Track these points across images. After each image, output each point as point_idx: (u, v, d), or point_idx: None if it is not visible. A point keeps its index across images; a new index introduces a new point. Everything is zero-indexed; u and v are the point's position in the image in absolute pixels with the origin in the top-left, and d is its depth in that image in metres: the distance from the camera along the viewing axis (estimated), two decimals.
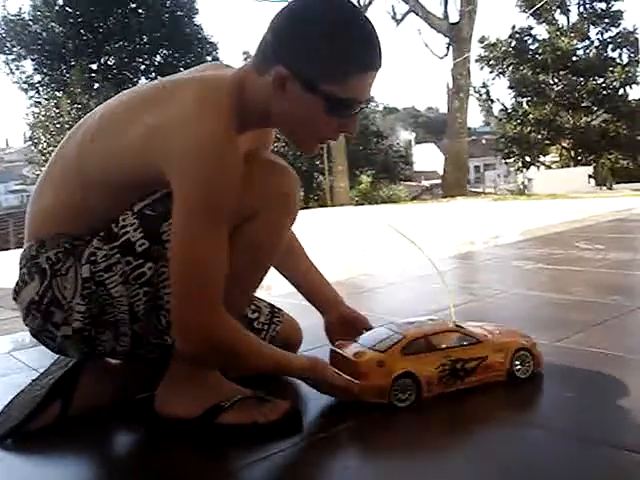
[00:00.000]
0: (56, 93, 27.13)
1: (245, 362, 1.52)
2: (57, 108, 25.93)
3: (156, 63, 30.30)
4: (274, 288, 3.28)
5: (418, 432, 1.51)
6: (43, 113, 26.67)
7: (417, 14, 25.66)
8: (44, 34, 27.72)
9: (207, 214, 1.37)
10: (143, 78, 30.13)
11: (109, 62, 29.25)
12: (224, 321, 1.44)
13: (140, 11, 28.73)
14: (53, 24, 27.59)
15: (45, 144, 25.90)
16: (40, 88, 28.72)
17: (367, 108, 1.85)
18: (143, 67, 30.24)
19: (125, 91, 1.63)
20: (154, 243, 1.46)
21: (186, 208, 1.37)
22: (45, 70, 28.39)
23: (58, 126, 25.52)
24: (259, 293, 1.90)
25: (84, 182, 1.50)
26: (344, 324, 1.98)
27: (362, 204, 21.36)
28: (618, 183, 23.63)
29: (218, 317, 1.42)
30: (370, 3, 25.11)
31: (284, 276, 1.99)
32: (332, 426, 1.55)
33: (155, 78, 29.88)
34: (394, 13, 25.94)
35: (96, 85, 27.50)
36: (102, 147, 1.48)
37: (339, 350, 1.75)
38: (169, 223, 1.43)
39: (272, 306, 1.95)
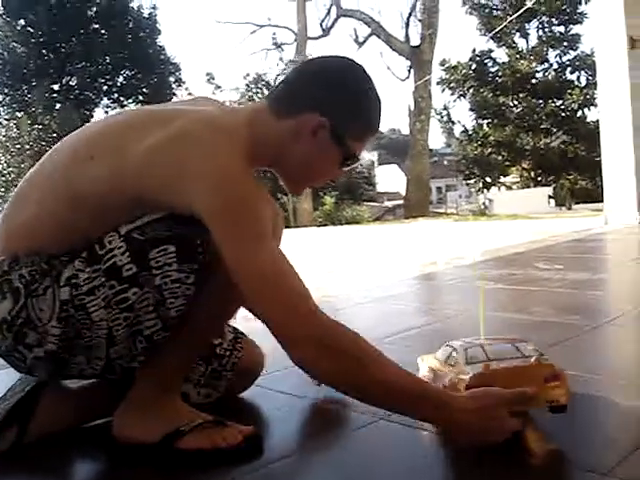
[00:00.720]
0: (17, 113, 26.89)
1: (368, 371, 1.39)
2: (18, 128, 25.70)
3: (118, 84, 30.22)
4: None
5: (379, 452, 1.52)
6: (3, 133, 26.42)
7: (379, 37, 25.99)
8: (5, 54, 27.52)
9: (256, 232, 1.38)
10: (105, 99, 30.04)
11: (71, 82, 29.11)
12: (330, 322, 1.40)
13: (102, 32, 28.67)
14: (15, 44, 27.41)
15: (5, 164, 25.62)
16: (1, 108, 28.47)
17: None
18: (105, 88, 30.13)
19: (123, 110, 1.63)
20: (142, 269, 1.42)
21: (234, 233, 1.37)
22: (6, 90, 28.16)
23: (18, 147, 25.29)
24: None
25: (76, 198, 1.46)
26: None
27: (326, 225, 21.41)
28: (577, 203, 23.98)
29: (322, 318, 1.39)
30: (332, 26, 25.32)
31: None
32: (293, 450, 1.55)
33: (118, 99, 29.82)
34: (356, 36, 26.29)
35: (58, 105, 27.32)
36: (103, 165, 1.45)
37: (496, 365, 1.50)
38: (159, 250, 1.41)
39: (235, 331, 1.91)
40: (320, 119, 1.51)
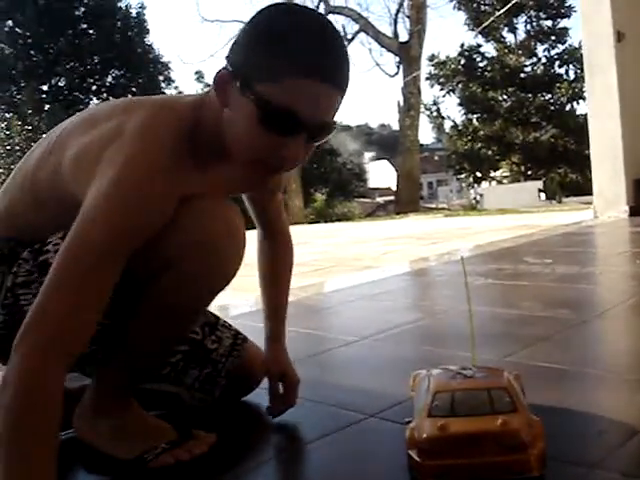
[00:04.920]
0: (6, 115, 26.82)
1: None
2: (8, 130, 25.61)
3: (107, 84, 30.13)
4: (233, 308, 3.28)
5: (370, 450, 1.52)
6: None
7: (367, 33, 25.98)
8: None
9: (104, 218, 1.22)
10: (94, 99, 29.92)
11: (60, 83, 29.03)
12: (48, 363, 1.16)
13: (91, 32, 28.59)
14: (3, 45, 27.30)
15: None
16: None
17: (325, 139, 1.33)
18: (94, 88, 30.03)
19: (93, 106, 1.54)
20: None
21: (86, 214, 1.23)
22: None
23: (9, 148, 25.19)
24: (222, 314, 1.88)
25: (36, 194, 1.43)
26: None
27: (317, 222, 21.38)
28: (568, 197, 24.01)
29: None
30: None
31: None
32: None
33: (107, 99, 29.71)
34: (345, 32, 26.20)
35: (47, 106, 27.24)
36: (54, 162, 1.39)
37: (456, 426, 1.23)
38: None
39: (236, 337, 1.78)
40: (224, 72, 1.25)
